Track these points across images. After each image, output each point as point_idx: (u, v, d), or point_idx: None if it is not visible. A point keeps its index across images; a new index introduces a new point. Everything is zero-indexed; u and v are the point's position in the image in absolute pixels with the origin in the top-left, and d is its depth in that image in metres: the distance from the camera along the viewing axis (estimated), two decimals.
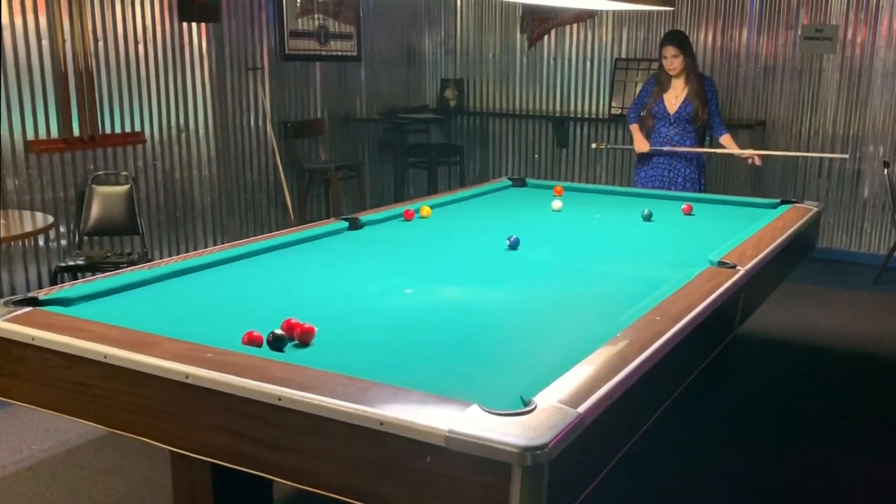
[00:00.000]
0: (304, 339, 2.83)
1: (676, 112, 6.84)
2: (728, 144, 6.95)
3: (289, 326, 2.85)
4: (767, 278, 4.39)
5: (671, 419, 3.48)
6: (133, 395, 2.61)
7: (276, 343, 2.75)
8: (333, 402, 2.24)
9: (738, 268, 3.80)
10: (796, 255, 5.10)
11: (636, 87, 9.31)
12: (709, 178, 7.61)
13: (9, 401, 2.97)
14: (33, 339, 2.80)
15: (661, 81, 6.98)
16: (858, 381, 5.70)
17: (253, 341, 2.75)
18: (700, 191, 6.88)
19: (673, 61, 6.81)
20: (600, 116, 9.80)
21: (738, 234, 4.58)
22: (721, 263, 3.86)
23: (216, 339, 2.70)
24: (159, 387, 2.53)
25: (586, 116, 9.85)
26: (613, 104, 9.64)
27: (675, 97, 6.87)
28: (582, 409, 2.22)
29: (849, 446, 4.74)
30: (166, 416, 2.57)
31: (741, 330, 4.51)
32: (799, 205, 5.53)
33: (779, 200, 5.64)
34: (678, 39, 6.87)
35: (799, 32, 8.70)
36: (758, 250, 4.18)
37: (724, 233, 4.67)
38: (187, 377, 2.46)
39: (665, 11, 9.11)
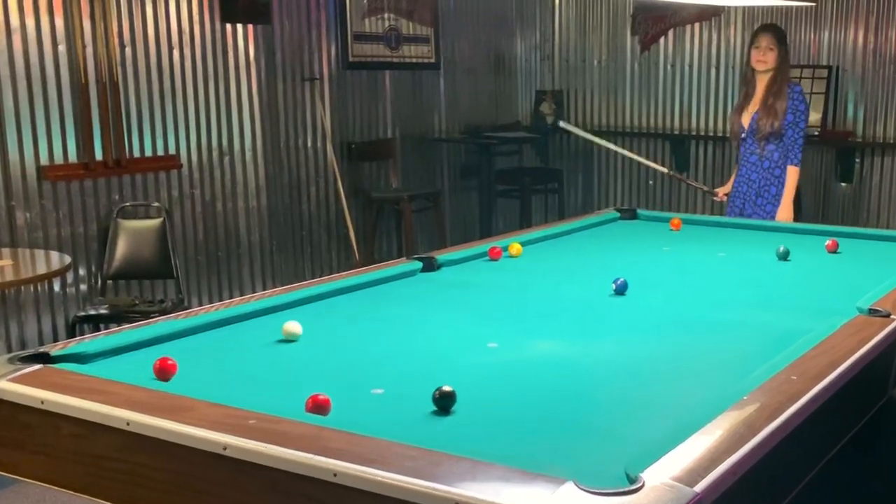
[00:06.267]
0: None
1: (749, 126, 6.82)
2: (789, 180, 6.72)
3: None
4: None
5: (810, 500, 3.43)
6: (161, 471, 2.63)
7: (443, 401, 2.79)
8: (399, 479, 2.23)
9: (892, 317, 3.75)
10: None
11: None
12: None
13: (14, 476, 2.99)
14: (43, 402, 2.82)
15: (746, 81, 6.97)
16: None
17: (319, 407, 2.71)
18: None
19: (767, 54, 6.68)
20: (727, 134, 9.69)
21: (894, 275, 4.53)
22: (872, 311, 3.81)
23: (261, 403, 2.71)
24: (192, 460, 2.54)
25: (710, 134, 9.81)
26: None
27: (753, 104, 6.82)
28: (699, 487, 2.20)
29: None
30: (200, 496, 2.58)
31: None
32: None
33: None
34: (776, 30, 6.85)
35: None
36: None
37: (876, 274, 4.60)
38: (225, 448, 2.47)
39: (805, 7, 9.05)
